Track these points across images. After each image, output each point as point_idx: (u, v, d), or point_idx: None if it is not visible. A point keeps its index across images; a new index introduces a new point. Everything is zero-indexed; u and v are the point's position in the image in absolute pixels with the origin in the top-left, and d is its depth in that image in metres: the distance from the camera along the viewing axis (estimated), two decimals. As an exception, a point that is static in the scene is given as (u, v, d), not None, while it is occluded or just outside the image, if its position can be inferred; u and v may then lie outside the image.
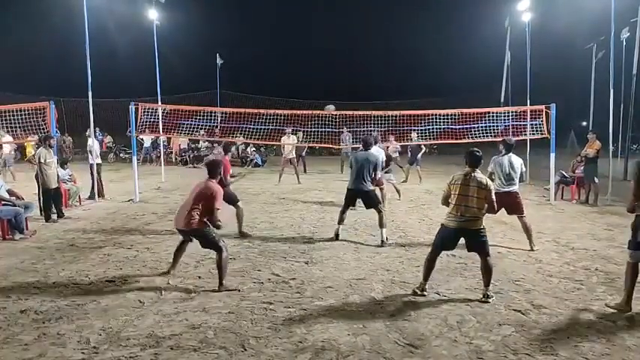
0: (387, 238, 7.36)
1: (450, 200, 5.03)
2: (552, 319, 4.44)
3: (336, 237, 7.62)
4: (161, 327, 4.25)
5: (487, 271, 4.95)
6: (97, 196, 11.49)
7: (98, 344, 3.92)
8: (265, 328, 4.24)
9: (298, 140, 15.89)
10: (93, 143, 11.69)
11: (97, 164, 11.65)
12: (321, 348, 3.87)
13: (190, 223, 5.22)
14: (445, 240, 5.04)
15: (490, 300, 4.88)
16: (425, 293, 5.05)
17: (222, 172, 7.33)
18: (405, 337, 4.07)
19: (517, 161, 7.04)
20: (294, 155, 15.78)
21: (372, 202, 7.61)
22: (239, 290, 5.20)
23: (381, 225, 7.43)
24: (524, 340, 4.01)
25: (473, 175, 4.96)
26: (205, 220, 5.26)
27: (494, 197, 4.99)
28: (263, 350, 3.84)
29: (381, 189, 10.16)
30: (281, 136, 14.98)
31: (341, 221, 7.77)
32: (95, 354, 3.77)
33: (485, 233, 5.01)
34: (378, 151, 9.12)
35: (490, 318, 4.47)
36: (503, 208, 6.95)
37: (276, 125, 14.76)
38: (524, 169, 7.17)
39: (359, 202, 7.90)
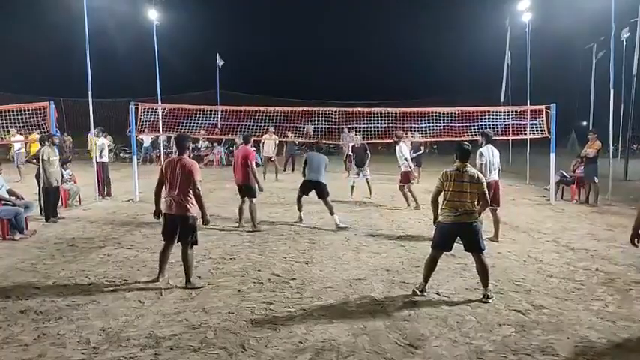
0: (339, 223, 8.41)
1: (444, 197, 5.01)
2: (552, 319, 4.44)
3: (300, 220, 8.82)
4: (161, 327, 4.25)
5: (483, 271, 4.93)
6: (97, 194, 11.57)
7: (98, 344, 3.92)
8: (265, 328, 4.24)
9: (289, 139, 15.97)
10: (91, 142, 11.80)
11: (104, 163, 11.84)
12: (321, 348, 3.87)
13: (185, 208, 5.24)
14: (444, 237, 5.02)
15: (490, 300, 4.87)
16: (425, 294, 5.04)
17: (245, 161, 8.12)
18: (405, 337, 4.07)
19: (496, 153, 7.47)
20: (275, 154, 16.01)
21: (322, 191, 8.67)
22: (201, 287, 5.25)
23: (331, 213, 8.55)
24: (524, 340, 4.01)
25: (465, 170, 4.97)
26: (195, 206, 5.30)
27: (486, 190, 5.00)
28: (263, 350, 3.84)
29: (409, 186, 10.52)
30: (262, 134, 15.10)
31: (300, 208, 8.91)
32: (95, 354, 3.77)
33: (479, 226, 5.01)
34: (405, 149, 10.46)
35: (490, 318, 4.47)
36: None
37: (276, 123, 14.80)
38: (499, 160, 7.57)
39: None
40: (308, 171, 8.72)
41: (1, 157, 17.89)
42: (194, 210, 5.33)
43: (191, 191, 5.28)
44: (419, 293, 5.03)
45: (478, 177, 4.95)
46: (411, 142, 14.11)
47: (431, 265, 5.07)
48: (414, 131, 14.23)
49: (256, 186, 8.30)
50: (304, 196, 8.89)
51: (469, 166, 5.03)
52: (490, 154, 7.33)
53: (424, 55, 36.63)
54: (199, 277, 5.58)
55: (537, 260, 6.41)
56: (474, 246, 4.96)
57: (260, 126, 14.36)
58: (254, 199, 8.28)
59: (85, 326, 4.27)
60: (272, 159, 15.90)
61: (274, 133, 15.55)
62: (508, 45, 20.57)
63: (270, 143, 15.61)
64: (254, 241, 7.48)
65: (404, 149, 10.48)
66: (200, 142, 22.94)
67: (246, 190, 8.27)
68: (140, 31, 19.65)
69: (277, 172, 15.74)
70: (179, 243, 5.38)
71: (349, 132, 16.79)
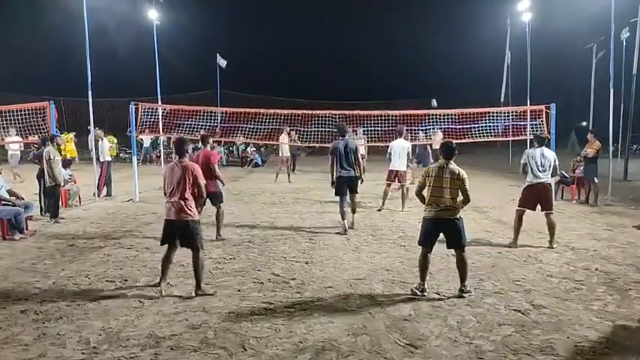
0: (352, 224, 8.13)
1: (427, 192, 5.11)
2: (552, 319, 4.44)
3: (345, 231, 7.91)
4: (161, 327, 4.25)
5: (462, 267, 5.01)
6: (97, 192, 11.60)
7: (98, 344, 3.92)
8: (265, 328, 4.24)
9: (292, 140, 16.05)
10: (91, 141, 11.86)
11: (109, 162, 11.92)
12: (321, 348, 3.87)
13: (185, 213, 5.05)
14: (428, 233, 5.10)
15: (466, 295, 4.91)
16: (425, 294, 5.03)
17: (207, 165, 7.22)
18: (405, 337, 4.06)
19: (550, 154, 7.16)
20: (290, 154, 16.07)
21: (356, 188, 8.11)
22: (212, 294, 5.05)
23: (353, 211, 8.21)
24: (524, 340, 4.01)
25: (447, 166, 5.04)
26: (194, 210, 5.17)
27: (468, 187, 5.01)
28: (263, 350, 3.84)
29: (403, 186, 10.16)
30: (279, 135, 15.12)
31: (343, 216, 8.03)
32: (95, 354, 3.76)
33: (461, 223, 5.03)
34: (403, 143, 9.95)
35: (490, 318, 4.47)
36: (538, 203, 7.13)
37: (276, 125, 14.82)
38: (557, 163, 7.23)
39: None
40: (339, 166, 7.92)
41: (0, 157, 17.86)
42: (194, 214, 5.17)
43: (191, 195, 5.12)
44: (418, 294, 5.02)
45: (459, 173, 5.00)
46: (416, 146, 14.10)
47: (424, 264, 5.10)
48: (419, 132, 14.17)
49: (220, 189, 7.53)
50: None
51: (452, 163, 5.08)
52: (538, 155, 7.04)
53: (424, 55, 36.67)
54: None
55: (537, 260, 6.41)
56: (455, 242, 5.04)
57: (260, 128, 14.38)
58: (221, 205, 7.55)
59: (85, 326, 4.27)
60: (287, 160, 15.92)
61: (289, 134, 15.61)
62: (508, 45, 20.60)
63: (286, 144, 15.66)
64: (254, 241, 7.47)
65: (393, 146, 9.94)
66: (200, 142, 22.95)
67: (212, 197, 7.28)
68: (140, 31, 19.67)
69: (289, 174, 15.81)
70: (184, 248, 5.23)
71: (354, 133, 16.78)
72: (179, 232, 5.16)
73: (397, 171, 9.96)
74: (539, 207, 7.18)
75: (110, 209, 10.37)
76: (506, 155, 22.03)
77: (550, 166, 7.09)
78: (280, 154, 16.02)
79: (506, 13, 20.18)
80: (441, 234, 5.09)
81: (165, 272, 5.34)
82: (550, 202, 7.16)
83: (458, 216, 5.01)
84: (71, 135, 18.82)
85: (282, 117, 14.29)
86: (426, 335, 4.10)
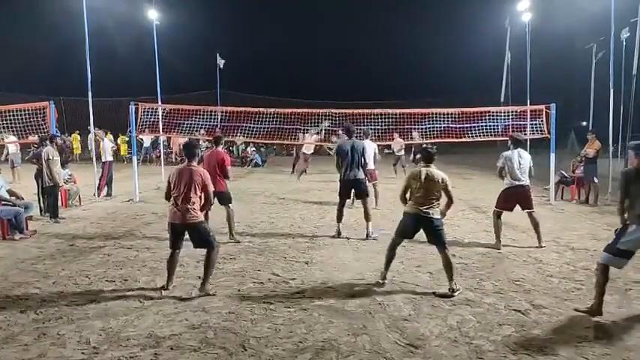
0: (372, 232, 7.57)
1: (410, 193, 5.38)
2: (552, 319, 4.44)
3: (338, 234, 7.67)
4: (161, 327, 4.25)
5: (447, 265, 5.09)
6: (97, 192, 11.59)
7: (98, 344, 3.92)
8: (265, 328, 4.24)
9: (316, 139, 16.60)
10: (91, 141, 11.86)
11: (110, 162, 11.99)
12: (321, 348, 3.87)
13: (192, 216, 5.01)
14: (405, 227, 5.38)
15: (456, 294, 4.96)
16: (385, 281, 5.33)
17: (221, 166, 7.24)
18: (405, 337, 4.06)
19: (526, 156, 7.12)
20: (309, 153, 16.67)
21: (363, 190, 7.72)
22: (214, 294, 5.05)
23: (366, 218, 7.61)
24: (524, 340, 4.01)
25: (426, 170, 5.19)
26: (202, 213, 5.14)
27: (451, 191, 5.17)
28: (263, 350, 3.84)
29: (374, 185, 10.19)
30: (295, 135, 15.42)
31: (340, 218, 7.78)
32: (95, 354, 3.77)
33: (439, 222, 5.19)
34: (369, 144, 9.65)
35: (490, 318, 4.47)
36: (517, 204, 7.14)
37: (276, 124, 14.80)
38: (531, 164, 7.20)
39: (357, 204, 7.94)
40: (344, 167, 7.61)
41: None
42: (199, 215, 5.12)
43: (196, 198, 5.05)
44: (380, 282, 5.33)
45: (442, 178, 5.15)
46: (412, 145, 14.12)
47: (390, 254, 5.45)
48: (413, 131, 14.19)
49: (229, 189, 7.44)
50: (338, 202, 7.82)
51: (432, 167, 5.23)
52: (515, 157, 7.00)
53: (424, 55, 36.64)
54: (199, 277, 5.55)
55: (537, 260, 6.41)
56: (434, 239, 5.20)
57: (260, 127, 14.36)
58: (231, 205, 7.42)
59: (85, 326, 4.27)
60: (308, 159, 16.56)
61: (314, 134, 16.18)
62: (508, 45, 20.59)
63: (310, 146, 16.25)
64: (254, 241, 7.47)
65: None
66: (200, 142, 22.98)
67: (222, 197, 7.27)
68: (140, 31, 19.65)
69: (301, 174, 16.22)
70: (185, 248, 5.20)
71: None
72: (190, 235, 5.12)
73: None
74: (517, 207, 7.20)
75: (110, 209, 10.37)
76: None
77: (527, 167, 7.07)
78: (303, 152, 16.42)
79: (506, 13, 20.15)
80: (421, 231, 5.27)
81: (171, 275, 5.30)
82: (530, 201, 7.16)
83: (437, 215, 5.15)
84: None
85: (283, 116, 14.28)
86: (426, 335, 4.10)
